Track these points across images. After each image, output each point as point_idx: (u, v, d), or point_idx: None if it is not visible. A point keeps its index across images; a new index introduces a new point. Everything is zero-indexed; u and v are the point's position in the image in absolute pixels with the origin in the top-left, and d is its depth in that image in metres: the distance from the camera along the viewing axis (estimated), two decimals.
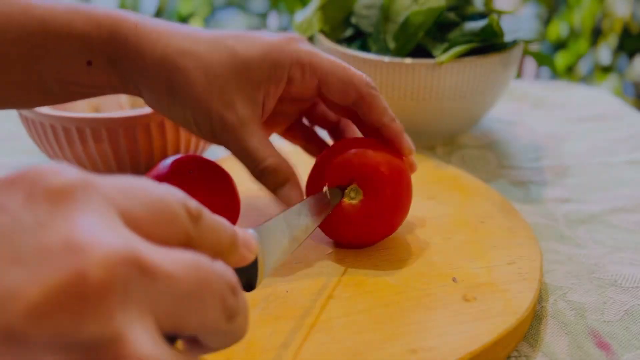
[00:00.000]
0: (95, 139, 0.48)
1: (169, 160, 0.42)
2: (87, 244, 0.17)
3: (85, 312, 0.16)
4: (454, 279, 0.39)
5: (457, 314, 0.36)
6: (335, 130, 0.47)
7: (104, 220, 0.18)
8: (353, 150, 0.41)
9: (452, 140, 0.64)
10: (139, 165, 0.51)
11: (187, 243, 0.22)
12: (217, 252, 0.24)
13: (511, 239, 0.43)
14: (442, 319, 0.36)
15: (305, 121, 0.47)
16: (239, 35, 0.40)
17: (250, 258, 0.26)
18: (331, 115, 0.46)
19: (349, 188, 0.40)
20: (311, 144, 0.47)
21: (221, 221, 0.24)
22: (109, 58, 0.38)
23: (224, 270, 0.22)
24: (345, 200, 0.40)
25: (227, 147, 0.39)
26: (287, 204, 0.40)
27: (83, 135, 0.48)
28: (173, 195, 0.22)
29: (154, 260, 0.18)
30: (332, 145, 0.43)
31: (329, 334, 0.35)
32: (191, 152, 0.53)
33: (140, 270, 0.18)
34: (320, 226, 0.41)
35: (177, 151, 0.52)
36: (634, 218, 0.51)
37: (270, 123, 0.45)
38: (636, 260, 0.45)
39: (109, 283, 0.17)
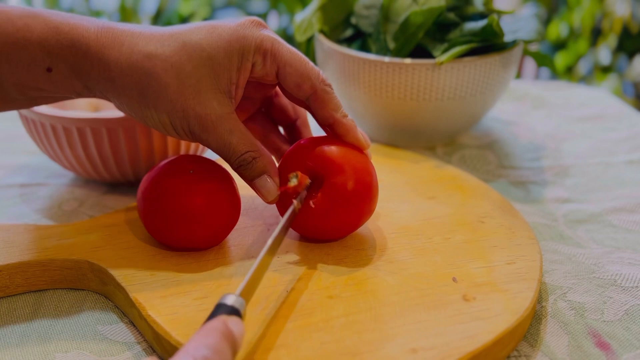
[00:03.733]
0: (95, 139, 0.48)
1: (169, 160, 0.42)
2: None
3: None
4: (454, 279, 0.39)
5: (457, 313, 0.36)
6: (291, 129, 0.48)
7: None
8: (315, 144, 0.41)
9: (452, 140, 0.64)
10: (139, 165, 0.51)
11: None
12: None
13: (511, 238, 0.43)
14: (442, 318, 0.36)
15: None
16: (200, 28, 0.39)
17: None
18: (290, 112, 0.47)
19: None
20: (271, 135, 0.48)
21: None
22: (71, 67, 0.37)
23: None
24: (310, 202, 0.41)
25: (207, 143, 0.39)
26: (262, 196, 0.41)
27: (83, 135, 0.48)
28: None
29: None
30: (300, 142, 0.43)
31: (329, 334, 0.35)
32: (191, 152, 0.53)
33: None
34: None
35: (177, 151, 0.52)
36: (634, 218, 0.51)
37: (237, 110, 0.44)
38: (636, 260, 0.45)
39: None
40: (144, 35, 0.38)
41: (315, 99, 0.41)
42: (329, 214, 0.41)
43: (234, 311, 0.31)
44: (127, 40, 0.38)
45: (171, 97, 0.38)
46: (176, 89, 0.37)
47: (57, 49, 0.37)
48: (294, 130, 0.48)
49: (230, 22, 0.40)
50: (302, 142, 0.43)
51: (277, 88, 0.46)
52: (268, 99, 0.47)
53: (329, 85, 0.42)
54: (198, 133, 0.39)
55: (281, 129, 0.49)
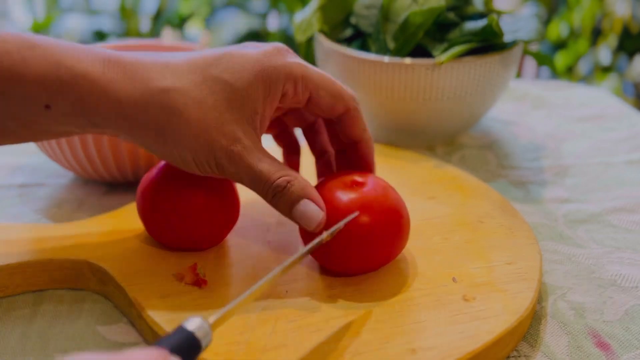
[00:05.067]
0: (95, 139, 0.48)
1: None
2: None
3: None
4: (453, 279, 0.39)
5: (457, 313, 0.36)
6: (310, 130, 0.46)
7: None
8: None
9: (452, 140, 0.64)
10: (139, 166, 0.51)
11: None
12: None
13: (511, 239, 0.43)
14: (442, 318, 0.36)
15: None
16: (219, 58, 0.37)
17: None
18: (308, 115, 0.45)
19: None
20: (288, 146, 0.47)
21: None
22: (73, 104, 0.35)
23: None
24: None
25: (236, 177, 0.37)
26: (305, 225, 0.37)
27: (83, 135, 0.48)
28: None
29: None
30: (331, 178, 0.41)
31: (329, 334, 0.35)
32: None
33: None
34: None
35: None
36: (634, 218, 0.51)
37: None
38: (636, 260, 0.45)
39: None
40: (157, 66, 0.36)
41: (348, 118, 0.41)
42: (360, 250, 0.38)
43: (192, 341, 0.27)
44: (138, 74, 0.35)
45: (194, 133, 0.35)
46: (199, 124, 0.35)
47: (56, 85, 0.34)
48: (312, 131, 0.46)
49: (252, 50, 0.38)
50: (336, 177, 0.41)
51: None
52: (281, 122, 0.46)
53: (359, 104, 0.42)
54: (226, 166, 0.36)
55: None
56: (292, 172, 0.38)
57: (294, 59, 0.39)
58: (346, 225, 0.37)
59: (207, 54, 0.38)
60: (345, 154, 0.44)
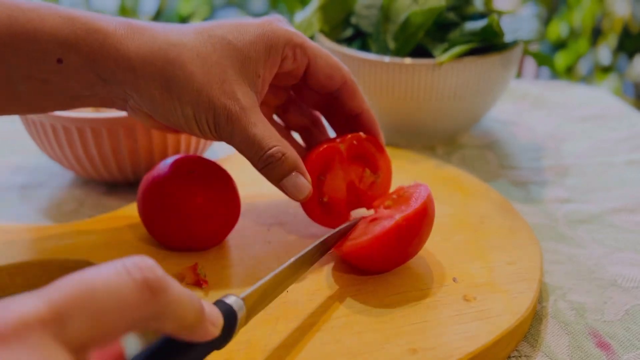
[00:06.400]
0: (95, 139, 0.48)
1: (169, 161, 0.42)
2: None
3: None
4: (454, 279, 0.39)
5: (458, 314, 0.36)
6: (307, 133, 0.46)
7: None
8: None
9: (452, 140, 0.64)
10: (139, 166, 0.51)
11: (149, 321, 0.22)
12: (181, 326, 0.24)
13: (511, 239, 0.43)
14: (443, 319, 0.36)
15: (279, 120, 0.47)
16: (223, 24, 0.39)
17: (215, 333, 0.26)
18: (305, 115, 0.46)
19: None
20: (289, 139, 0.47)
21: (188, 295, 0.24)
22: (85, 57, 0.36)
23: None
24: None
25: (230, 138, 0.38)
26: (293, 195, 0.39)
27: (83, 135, 0.48)
28: (124, 279, 0.22)
29: None
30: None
31: (329, 334, 0.35)
32: (191, 152, 0.53)
33: None
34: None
35: (177, 151, 0.52)
36: (634, 218, 0.51)
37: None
38: (636, 260, 0.45)
39: None
40: (165, 28, 0.38)
41: (346, 89, 0.42)
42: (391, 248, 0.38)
43: (230, 312, 0.28)
44: (147, 32, 0.37)
45: (197, 87, 0.36)
46: (202, 79, 0.36)
47: (70, 40, 0.35)
48: (310, 134, 0.47)
49: (253, 19, 0.40)
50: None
51: (292, 93, 0.46)
52: (284, 105, 0.46)
53: (353, 77, 0.43)
54: (223, 125, 0.37)
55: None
56: (285, 142, 0.39)
57: (291, 28, 0.40)
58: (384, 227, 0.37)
59: (210, 22, 0.40)
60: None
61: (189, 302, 0.24)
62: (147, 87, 0.36)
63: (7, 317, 0.19)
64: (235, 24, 0.39)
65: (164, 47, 0.36)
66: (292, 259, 0.35)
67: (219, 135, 0.38)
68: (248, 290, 0.31)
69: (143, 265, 0.22)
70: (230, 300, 0.29)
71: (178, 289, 0.23)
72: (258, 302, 0.32)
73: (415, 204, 0.38)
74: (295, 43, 0.39)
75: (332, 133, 0.47)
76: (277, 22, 0.40)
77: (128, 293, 0.21)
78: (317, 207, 0.42)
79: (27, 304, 0.19)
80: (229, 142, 0.38)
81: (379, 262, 0.39)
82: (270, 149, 0.38)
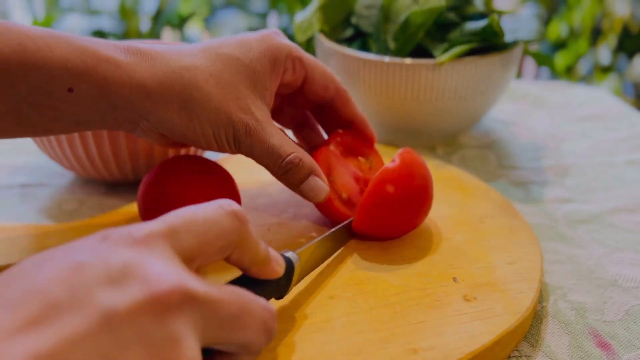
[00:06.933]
0: (95, 139, 0.48)
1: (169, 160, 0.42)
2: (155, 279, 0.23)
3: (157, 320, 0.23)
4: (454, 279, 0.39)
5: (458, 313, 0.36)
6: (299, 130, 0.49)
7: (166, 262, 0.25)
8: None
9: (452, 140, 0.64)
10: (140, 166, 0.51)
11: (234, 248, 0.29)
12: (253, 261, 0.30)
13: (511, 239, 0.43)
14: (443, 318, 0.36)
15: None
16: (227, 41, 0.40)
17: (280, 272, 0.32)
18: (297, 115, 0.49)
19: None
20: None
21: (257, 237, 0.30)
22: (97, 86, 0.36)
23: (263, 300, 0.28)
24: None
25: (250, 151, 0.40)
26: (313, 197, 0.41)
27: (84, 135, 0.48)
28: (219, 211, 0.28)
29: (199, 290, 0.24)
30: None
31: (329, 334, 0.35)
32: (191, 152, 0.53)
33: (190, 298, 0.24)
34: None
35: (177, 151, 0.52)
36: (634, 218, 0.51)
37: None
38: (636, 260, 0.45)
39: (170, 304, 0.23)
40: (173, 51, 0.38)
41: (339, 98, 0.45)
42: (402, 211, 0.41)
43: (289, 260, 0.34)
44: (158, 57, 0.38)
45: (215, 106, 0.38)
46: (218, 98, 0.38)
47: (80, 69, 0.35)
48: (304, 128, 0.49)
49: (252, 34, 0.42)
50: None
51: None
52: (279, 109, 0.48)
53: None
54: (243, 140, 0.39)
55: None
56: (300, 149, 0.41)
57: (288, 41, 0.43)
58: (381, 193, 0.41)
59: (214, 40, 0.41)
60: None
61: (259, 241, 0.30)
62: (165, 110, 0.37)
63: (140, 231, 0.25)
64: (238, 41, 0.41)
65: (178, 71, 0.37)
66: (328, 232, 0.40)
67: (238, 149, 0.40)
68: (301, 248, 0.36)
69: (231, 202, 0.29)
70: (288, 253, 0.34)
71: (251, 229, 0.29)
72: (308, 261, 0.37)
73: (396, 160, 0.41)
74: (295, 56, 0.42)
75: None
76: (276, 36, 0.42)
77: (222, 220, 0.28)
78: (340, 205, 0.44)
79: (152, 224, 0.26)
80: (248, 155, 0.40)
81: (384, 218, 0.41)
82: (288, 156, 0.40)
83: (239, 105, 0.38)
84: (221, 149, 0.40)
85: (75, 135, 0.48)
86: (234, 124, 0.38)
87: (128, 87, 0.36)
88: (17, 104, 0.36)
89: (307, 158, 0.40)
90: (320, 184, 0.41)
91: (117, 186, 0.55)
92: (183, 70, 0.37)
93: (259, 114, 0.39)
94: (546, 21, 1.76)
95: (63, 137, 0.49)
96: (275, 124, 0.48)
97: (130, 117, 0.38)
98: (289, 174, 0.40)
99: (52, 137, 0.49)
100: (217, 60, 0.39)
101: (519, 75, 1.73)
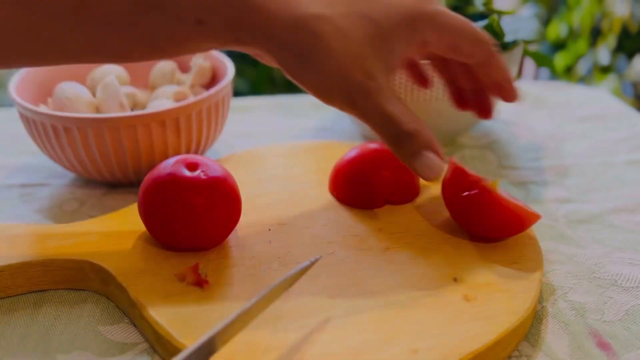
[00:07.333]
0: (96, 139, 0.48)
1: (170, 161, 0.42)
2: None
3: None
4: (454, 279, 0.39)
5: (458, 313, 0.36)
6: (439, 62, 0.47)
7: None
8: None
9: (452, 140, 0.64)
10: (140, 166, 0.51)
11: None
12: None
13: (512, 238, 0.43)
14: (443, 318, 0.36)
15: None
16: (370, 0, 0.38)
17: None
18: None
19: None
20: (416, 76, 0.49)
21: None
22: (226, 18, 0.35)
23: None
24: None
25: (364, 115, 0.37)
26: (427, 174, 0.38)
27: (84, 135, 0.48)
28: None
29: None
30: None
31: (330, 334, 0.35)
32: (192, 152, 0.53)
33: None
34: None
35: (177, 151, 0.52)
36: (634, 218, 0.51)
37: None
38: (636, 260, 0.45)
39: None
40: None
41: (488, 64, 0.42)
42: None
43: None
44: None
45: (334, 63, 0.36)
46: (341, 55, 0.36)
47: (211, 1, 0.35)
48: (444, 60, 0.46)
49: None
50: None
51: None
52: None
53: (497, 46, 0.42)
54: (358, 102, 0.37)
55: None
56: (420, 121, 0.38)
57: (440, 7, 0.39)
58: None
59: None
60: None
61: None
62: (283, 55, 0.36)
63: None
64: (383, 2, 0.38)
65: (307, 18, 0.36)
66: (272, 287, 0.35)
67: (351, 109, 0.38)
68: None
69: None
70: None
71: None
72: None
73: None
74: (440, 26, 0.39)
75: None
76: (424, 2, 0.39)
77: None
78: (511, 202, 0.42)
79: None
80: (360, 117, 0.38)
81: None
82: (405, 126, 0.37)
83: (362, 67, 0.36)
84: (332, 103, 0.38)
85: (77, 135, 0.48)
86: (351, 85, 0.36)
87: (255, 24, 0.36)
88: (151, 34, 0.36)
89: (426, 131, 0.38)
90: (435, 161, 0.38)
91: (117, 186, 0.55)
92: (312, 18, 0.36)
93: (381, 79, 0.37)
94: (546, 21, 1.76)
95: (64, 138, 0.49)
96: None
97: (252, 50, 0.38)
98: (403, 145, 0.37)
99: (52, 138, 0.49)
100: (350, 15, 0.37)
101: (519, 75, 1.73)
